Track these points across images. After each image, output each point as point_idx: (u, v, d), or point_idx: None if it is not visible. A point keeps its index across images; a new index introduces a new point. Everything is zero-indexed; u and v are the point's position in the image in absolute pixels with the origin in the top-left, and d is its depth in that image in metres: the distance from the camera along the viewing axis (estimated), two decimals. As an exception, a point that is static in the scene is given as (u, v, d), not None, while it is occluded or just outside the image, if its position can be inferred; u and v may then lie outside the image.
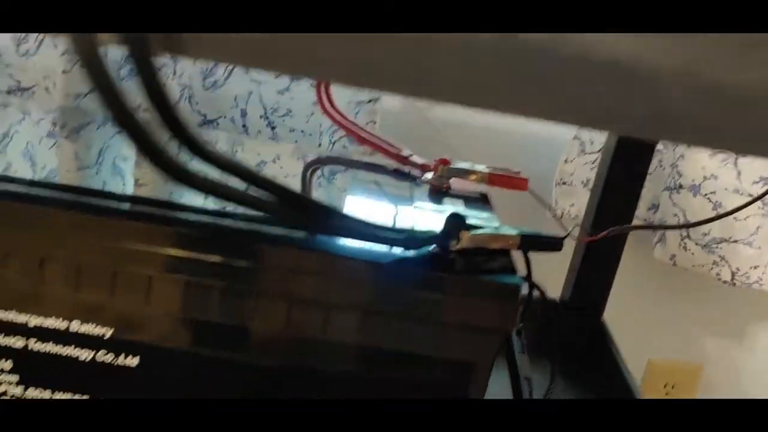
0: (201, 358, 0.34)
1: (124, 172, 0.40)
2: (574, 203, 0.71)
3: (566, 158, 0.70)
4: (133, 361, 0.34)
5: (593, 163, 0.69)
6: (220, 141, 0.52)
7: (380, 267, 0.32)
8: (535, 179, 0.77)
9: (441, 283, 0.33)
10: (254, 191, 0.28)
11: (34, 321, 0.33)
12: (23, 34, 0.67)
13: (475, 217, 0.39)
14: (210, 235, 0.32)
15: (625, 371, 0.53)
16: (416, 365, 0.34)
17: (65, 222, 0.32)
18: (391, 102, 0.73)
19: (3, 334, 0.33)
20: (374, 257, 0.33)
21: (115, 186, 0.39)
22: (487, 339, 0.34)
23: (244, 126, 0.70)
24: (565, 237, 0.38)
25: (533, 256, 0.37)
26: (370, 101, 0.70)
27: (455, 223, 0.35)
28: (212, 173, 0.25)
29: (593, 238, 0.46)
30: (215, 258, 0.32)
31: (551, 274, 0.60)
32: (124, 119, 0.19)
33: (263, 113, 0.69)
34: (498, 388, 0.43)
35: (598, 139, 0.69)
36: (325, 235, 0.33)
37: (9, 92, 0.67)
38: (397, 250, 0.33)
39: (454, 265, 0.34)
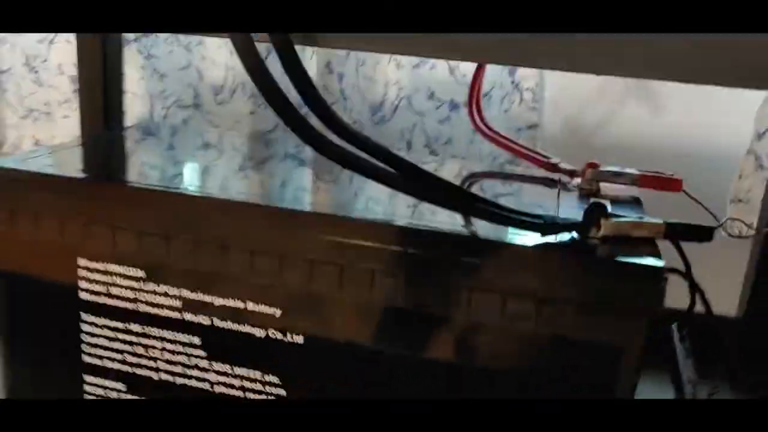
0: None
1: (302, 200, 0.45)
2: (754, 222, 0.67)
3: (740, 174, 0.67)
4: (299, 339, 0.38)
5: (773, 179, 0.65)
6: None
7: (515, 250, 0.34)
8: (706, 198, 0.73)
9: (581, 266, 0.34)
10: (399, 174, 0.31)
11: (217, 301, 0.39)
12: (221, 86, 0.77)
13: (623, 214, 0.40)
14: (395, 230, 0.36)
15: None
16: (567, 350, 0.35)
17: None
18: (551, 129, 0.74)
19: (193, 313, 0.39)
20: (512, 242, 0.34)
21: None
22: (632, 322, 0.34)
23: (409, 157, 0.75)
24: (718, 227, 0.37)
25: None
26: (530, 127, 0.72)
27: (596, 210, 0.36)
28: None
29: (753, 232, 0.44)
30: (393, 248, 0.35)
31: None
32: (285, 111, 0.24)
33: (426, 143, 0.73)
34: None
35: (776, 154, 0.65)
36: (466, 215, 0.35)
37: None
38: (535, 236, 0.35)
39: (595, 250, 0.35)
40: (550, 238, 0.35)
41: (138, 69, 0.74)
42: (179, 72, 0.78)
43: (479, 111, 0.54)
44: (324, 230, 0.36)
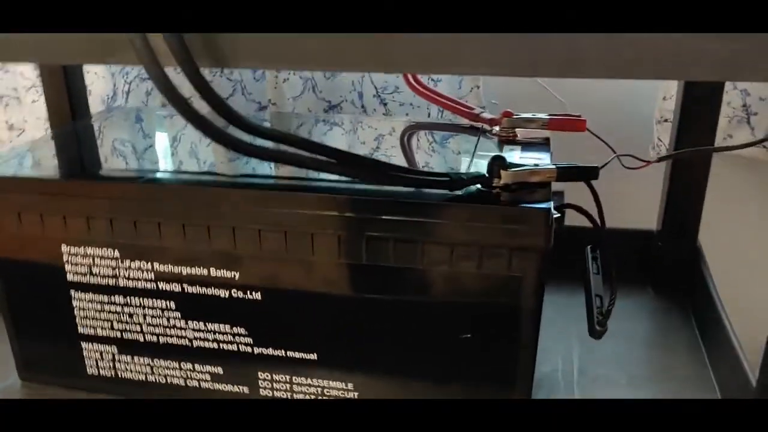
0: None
1: (250, 162, 0.50)
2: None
3: (664, 95, 0.72)
4: (257, 296, 0.44)
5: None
6: (344, 122, 0.61)
7: (430, 205, 0.40)
8: (638, 119, 0.79)
9: (484, 214, 0.40)
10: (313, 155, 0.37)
11: (185, 271, 0.45)
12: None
13: (531, 158, 0.46)
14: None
15: (713, 291, 0.56)
16: (482, 284, 0.41)
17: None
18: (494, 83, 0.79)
19: (166, 282, 0.45)
20: (424, 197, 0.41)
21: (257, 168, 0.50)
22: (529, 257, 0.40)
23: (362, 106, 0.80)
24: (604, 166, 0.43)
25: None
26: (475, 88, 0.76)
27: (496, 163, 0.42)
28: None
29: (644, 164, 0.50)
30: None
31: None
32: (187, 110, 0.29)
33: (375, 93, 0.78)
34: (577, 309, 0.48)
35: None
36: (379, 184, 0.41)
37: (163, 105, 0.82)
38: (445, 191, 0.41)
39: (496, 198, 0.41)
40: (458, 193, 0.41)
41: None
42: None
43: (410, 68, 0.59)
44: (263, 203, 0.42)
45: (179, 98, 0.29)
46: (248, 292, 0.45)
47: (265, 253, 0.43)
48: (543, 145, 0.50)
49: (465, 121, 0.56)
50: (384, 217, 0.41)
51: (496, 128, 0.52)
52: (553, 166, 0.42)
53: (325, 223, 0.42)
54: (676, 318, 0.61)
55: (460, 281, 0.42)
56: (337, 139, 0.56)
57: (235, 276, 0.44)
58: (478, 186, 0.42)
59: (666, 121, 0.73)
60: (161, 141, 0.56)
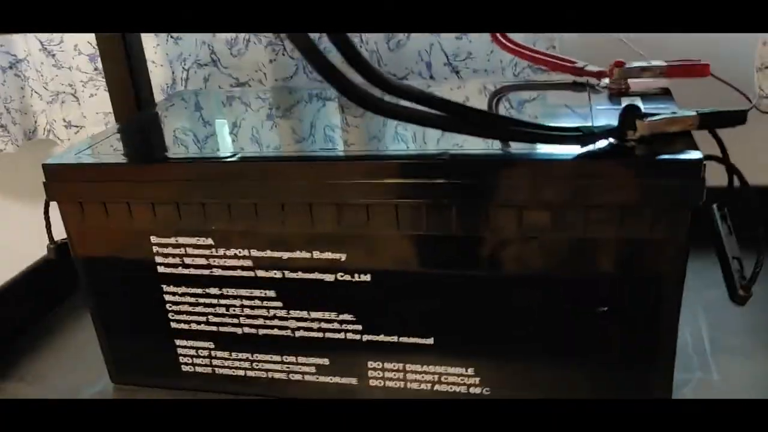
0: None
1: (334, 137, 0.46)
2: (783, 87, 0.67)
3: (765, 41, 0.66)
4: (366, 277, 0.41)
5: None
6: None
7: (560, 163, 0.36)
8: (735, 67, 0.72)
9: (623, 170, 0.35)
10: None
11: (285, 255, 0.41)
12: (234, 38, 0.77)
13: (656, 109, 0.41)
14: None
15: None
16: (619, 251, 0.37)
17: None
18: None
19: (265, 270, 0.42)
20: (552, 156, 0.36)
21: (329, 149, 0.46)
22: (678, 216, 0.36)
23: (431, 77, 0.75)
24: (749, 109, 0.38)
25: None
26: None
27: (630, 113, 0.37)
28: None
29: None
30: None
31: None
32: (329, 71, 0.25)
33: (446, 61, 0.74)
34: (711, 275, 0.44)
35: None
36: (505, 140, 0.37)
37: (231, 87, 0.78)
38: (575, 147, 0.36)
39: (634, 152, 0.36)
40: (590, 148, 0.36)
41: (153, 36, 0.75)
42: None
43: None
44: (371, 174, 0.38)
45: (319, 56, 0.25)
46: (356, 274, 0.41)
47: (373, 231, 0.39)
48: (663, 95, 0.45)
49: (560, 78, 0.51)
50: (508, 181, 0.36)
51: (605, 81, 0.48)
52: (694, 113, 0.37)
53: (441, 192, 0.37)
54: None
55: (595, 249, 0.37)
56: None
57: (341, 258, 0.40)
58: (610, 140, 0.37)
59: (767, 68, 0.67)
60: (245, 121, 0.52)
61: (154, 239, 0.43)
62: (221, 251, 0.42)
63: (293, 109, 0.55)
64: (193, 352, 0.46)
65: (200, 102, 0.58)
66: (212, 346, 0.45)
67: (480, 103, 0.51)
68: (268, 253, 0.41)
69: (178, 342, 0.46)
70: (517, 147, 0.38)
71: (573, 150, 0.36)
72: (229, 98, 0.59)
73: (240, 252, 0.42)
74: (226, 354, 0.45)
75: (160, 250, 0.43)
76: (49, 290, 0.60)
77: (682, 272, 0.37)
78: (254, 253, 0.42)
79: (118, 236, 0.43)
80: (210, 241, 0.42)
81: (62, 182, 0.43)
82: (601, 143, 0.37)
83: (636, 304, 0.38)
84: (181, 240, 0.42)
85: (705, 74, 0.45)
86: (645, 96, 0.45)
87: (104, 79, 0.78)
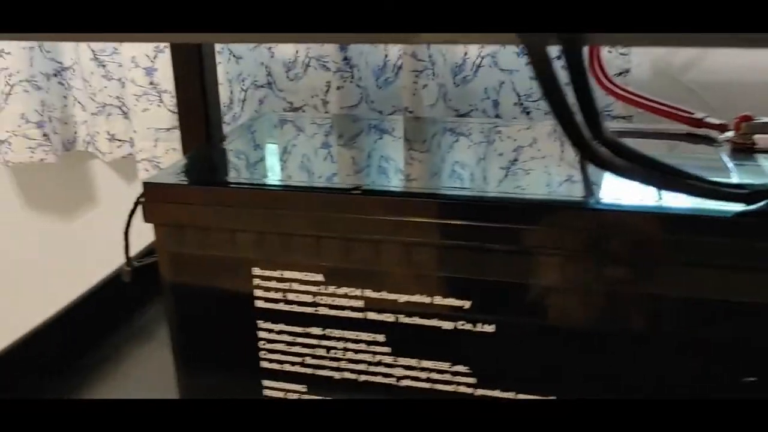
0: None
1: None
2: None
3: None
4: (489, 329, 0.37)
5: None
6: (473, 130, 0.53)
7: (725, 221, 0.33)
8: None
9: (792, 232, 0.33)
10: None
11: (402, 298, 0.38)
12: (292, 61, 0.75)
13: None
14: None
15: None
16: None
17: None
18: (640, 72, 0.72)
19: (377, 312, 0.39)
20: (717, 213, 0.34)
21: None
22: None
23: (497, 116, 0.73)
24: None
25: None
26: (620, 74, 0.70)
27: (795, 172, 0.35)
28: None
29: None
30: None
31: None
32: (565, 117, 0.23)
33: (517, 100, 0.72)
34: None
35: None
36: (670, 191, 0.34)
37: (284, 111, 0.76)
38: (739, 205, 0.34)
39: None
40: (757, 206, 0.34)
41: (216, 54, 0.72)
42: (251, 51, 0.76)
43: (601, 67, 0.52)
44: (518, 219, 0.35)
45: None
46: (479, 324, 0.38)
47: (505, 277, 0.36)
48: (794, 153, 0.43)
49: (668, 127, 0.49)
50: (670, 236, 0.34)
51: (727, 134, 0.45)
52: None
53: (585, 242, 0.35)
54: None
55: (756, 314, 0.35)
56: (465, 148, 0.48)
57: (464, 305, 0.37)
58: (774, 199, 0.35)
59: None
60: (362, 151, 0.49)
61: (256, 271, 0.39)
62: (330, 289, 0.39)
63: (427, 141, 0.51)
64: (281, 394, 0.42)
65: (297, 125, 0.55)
66: (305, 389, 0.42)
67: (552, 150, 0.48)
68: (384, 295, 0.38)
69: (266, 383, 0.42)
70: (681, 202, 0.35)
71: (736, 207, 0.34)
72: (320, 125, 0.55)
73: (351, 291, 0.39)
74: (317, 399, 0.42)
75: (262, 283, 0.40)
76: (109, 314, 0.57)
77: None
78: (367, 293, 0.38)
79: (215, 265, 0.40)
80: (319, 278, 0.39)
81: (164, 203, 0.39)
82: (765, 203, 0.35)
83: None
84: (287, 274, 0.39)
85: (839, 134, 0.43)
86: (776, 153, 0.42)
87: (157, 94, 0.75)
